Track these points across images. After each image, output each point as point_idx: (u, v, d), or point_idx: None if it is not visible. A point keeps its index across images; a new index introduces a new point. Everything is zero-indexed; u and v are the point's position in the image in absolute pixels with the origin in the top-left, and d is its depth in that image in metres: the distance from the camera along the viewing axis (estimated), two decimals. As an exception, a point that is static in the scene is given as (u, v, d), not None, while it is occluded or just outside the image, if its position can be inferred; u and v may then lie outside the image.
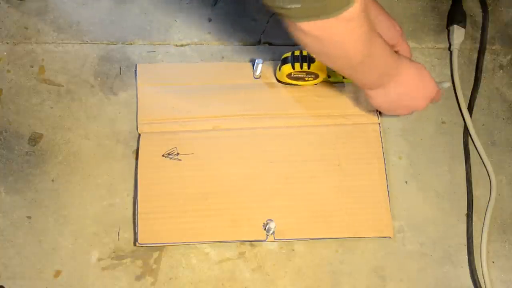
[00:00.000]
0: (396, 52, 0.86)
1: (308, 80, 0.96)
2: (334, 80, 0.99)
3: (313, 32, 0.70)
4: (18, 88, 0.99)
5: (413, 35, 1.06)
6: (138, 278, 0.89)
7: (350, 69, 0.81)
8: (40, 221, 0.92)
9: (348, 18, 0.69)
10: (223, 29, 1.04)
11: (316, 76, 0.95)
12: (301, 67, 0.93)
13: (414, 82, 0.87)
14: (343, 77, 0.98)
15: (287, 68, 0.94)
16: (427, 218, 0.94)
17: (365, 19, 0.72)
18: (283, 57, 0.95)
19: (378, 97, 0.88)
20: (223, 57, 1.03)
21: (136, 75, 1.00)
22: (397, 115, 0.97)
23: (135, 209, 0.92)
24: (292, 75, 0.95)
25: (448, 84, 0.94)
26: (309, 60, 0.93)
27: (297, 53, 0.93)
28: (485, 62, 1.04)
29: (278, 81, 0.99)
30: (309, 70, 0.93)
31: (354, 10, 0.68)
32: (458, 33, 1.04)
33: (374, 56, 0.80)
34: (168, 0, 1.06)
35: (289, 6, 0.66)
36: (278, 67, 0.96)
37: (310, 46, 0.74)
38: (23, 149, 0.95)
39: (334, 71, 0.95)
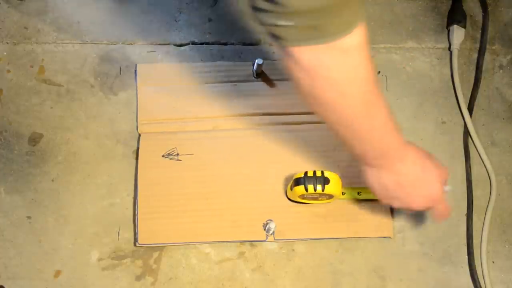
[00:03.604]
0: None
1: (321, 200, 0.90)
2: (347, 197, 0.92)
3: (303, 61, 0.63)
4: (18, 88, 0.99)
5: (413, 35, 1.06)
6: (138, 278, 0.89)
7: (344, 127, 0.71)
8: (40, 221, 0.92)
9: (345, 48, 0.62)
10: (223, 29, 1.04)
11: (330, 197, 0.89)
12: (315, 190, 0.86)
13: (416, 175, 0.77)
14: (358, 193, 0.92)
15: (299, 189, 0.87)
16: (427, 218, 0.94)
17: (366, 58, 0.64)
18: (295, 177, 0.88)
19: (371, 178, 0.78)
20: (223, 57, 1.03)
21: (136, 75, 1.00)
22: (393, 205, 0.84)
23: (135, 209, 0.92)
24: (305, 196, 0.89)
25: (449, 188, 0.85)
26: (324, 181, 0.86)
27: (310, 173, 0.87)
28: (485, 62, 1.04)
29: (289, 199, 0.92)
30: (323, 192, 0.87)
31: (352, 40, 0.61)
32: (458, 33, 1.04)
33: (375, 120, 0.70)
34: (168, 0, 1.06)
35: (281, 23, 0.60)
36: (290, 186, 0.90)
37: (301, 83, 0.66)
38: (23, 149, 0.95)
39: (349, 188, 0.91)
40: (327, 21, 0.60)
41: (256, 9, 0.61)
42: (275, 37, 0.62)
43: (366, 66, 0.65)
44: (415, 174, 0.78)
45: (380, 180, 0.78)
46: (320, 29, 0.60)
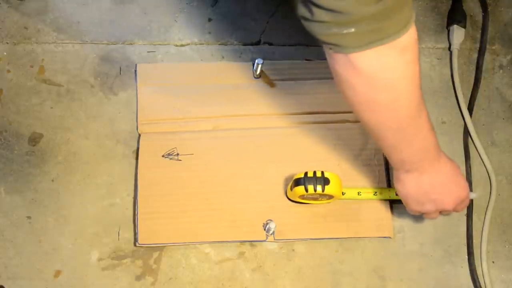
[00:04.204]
0: None
1: (321, 200, 0.90)
2: (347, 197, 0.92)
3: (362, 65, 0.63)
4: (18, 88, 0.99)
5: (413, 35, 1.06)
6: (138, 278, 0.89)
7: (395, 131, 0.71)
8: (40, 221, 0.92)
9: (404, 45, 0.63)
10: (223, 29, 1.04)
11: (330, 197, 0.89)
12: (315, 190, 0.86)
13: (450, 176, 0.79)
14: (358, 193, 0.92)
15: (299, 190, 0.87)
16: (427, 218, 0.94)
17: (418, 56, 0.66)
18: (295, 177, 0.88)
19: (410, 184, 0.79)
20: (223, 57, 1.03)
21: (136, 75, 1.00)
22: (417, 213, 0.85)
23: (135, 209, 0.92)
24: (305, 196, 0.89)
25: (475, 195, 0.89)
26: (324, 182, 0.86)
27: (310, 174, 0.87)
28: (485, 62, 1.04)
29: (289, 199, 0.92)
30: (323, 193, 0.87)
31: (409, 37, 0.63)
32: (458, 33, 1.04)
33: (422, 118, 0.71)
34: (168, 0, 1.06)
35: (342, 32, 0.60)
36: (290, 186, 0.90)
37: (357, 89, 0.66)
38: (23, 149, 0.95)
39: (349, 188, 0.91)
40: (389, 22, 0.60)
41: (311, 21, 0.61)
42: (333, 45, 0.62)
43: (418, 61, 0.66)
44: (450, 173, 0.79)
45: (421, 184, 0.78)
46: (382, 30, 0.61)
